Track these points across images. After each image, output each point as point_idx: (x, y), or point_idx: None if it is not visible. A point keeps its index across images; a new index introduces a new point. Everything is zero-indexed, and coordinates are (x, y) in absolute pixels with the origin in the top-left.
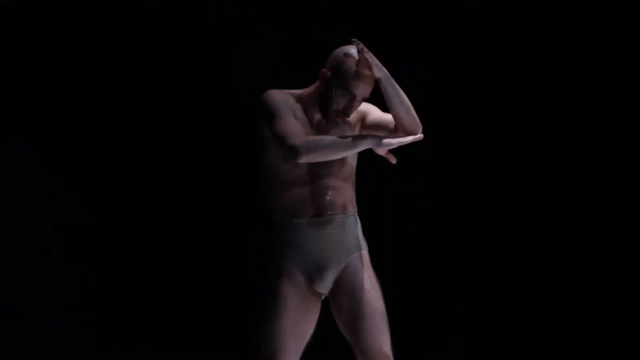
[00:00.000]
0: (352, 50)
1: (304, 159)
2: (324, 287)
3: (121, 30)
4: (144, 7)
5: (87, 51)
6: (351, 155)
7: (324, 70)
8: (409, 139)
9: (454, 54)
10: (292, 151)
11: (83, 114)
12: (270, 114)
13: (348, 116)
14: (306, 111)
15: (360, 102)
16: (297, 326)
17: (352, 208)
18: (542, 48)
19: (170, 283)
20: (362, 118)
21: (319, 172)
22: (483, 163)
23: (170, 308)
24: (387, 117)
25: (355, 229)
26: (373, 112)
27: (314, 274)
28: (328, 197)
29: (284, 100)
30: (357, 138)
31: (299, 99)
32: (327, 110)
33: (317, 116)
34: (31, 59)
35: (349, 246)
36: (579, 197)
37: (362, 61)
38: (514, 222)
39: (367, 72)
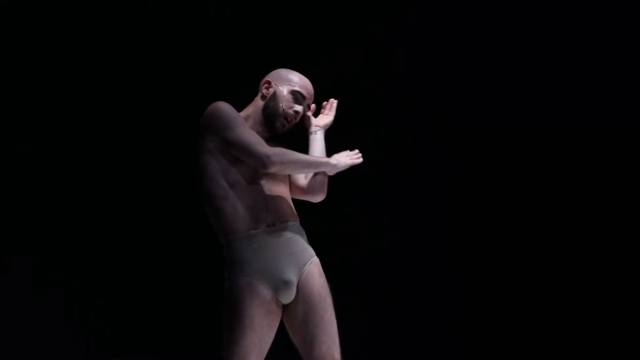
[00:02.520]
0: (295, 72)
1: (274, 168)
2: (289, 296)
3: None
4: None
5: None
6: (286, 181)
7: (267, 79)
8: (358, 160)
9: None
10: (263, 159)
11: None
12: (225, 123)
13: (297, 118)
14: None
15: (309, 108)
16: (262, 343)
17: (296, 216)
18: (541, 52)
19: (160, 286)
20: None
21: (262, 183)
22: (478, 163)
23: (162, 310)
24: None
25: (303, 235)
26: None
27: (279, 285)
28: (276, 206)
29: (236, 112)
30: (320, 159)
31: (244, 118)
32: (274, 116)
33: (262, 134)
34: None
35: (304, 252)
36: (573, 199)
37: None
38: (509, 222)
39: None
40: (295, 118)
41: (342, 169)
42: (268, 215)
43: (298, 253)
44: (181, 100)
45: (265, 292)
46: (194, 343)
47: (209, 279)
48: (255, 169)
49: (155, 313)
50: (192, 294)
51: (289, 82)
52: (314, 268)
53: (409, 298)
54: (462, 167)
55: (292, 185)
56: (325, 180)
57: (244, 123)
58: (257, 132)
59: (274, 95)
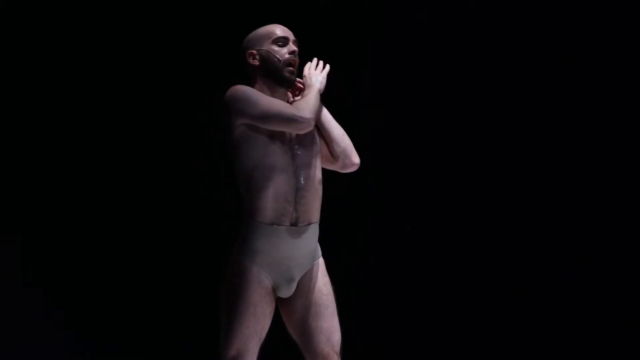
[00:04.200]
0: (260, 27)
1: (308, 123)
2: (287, 292)
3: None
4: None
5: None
6: (319, 166)
7: (247, 51)
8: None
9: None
10: (296, 119)
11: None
12: (250, 101)
13: (296, 56)
14: None
15: (296, 44)
16: (262, 332)
17: (319, 216)
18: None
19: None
20: None
21: (296, 180)
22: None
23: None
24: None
25: (317, 234)
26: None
27: (281, 282)
28: (305, 204)
29: (255, 89)
30: (313, 91)
31: None
32: (280, 72)
33: (282, 96)
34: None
35: (313, 253)
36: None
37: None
38: (509, 222)
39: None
40: (295, 58)
41: (324, 86)
42: (294, 212)
43: (308, 254)
44: (175, 99)
45: (267, 282)
46: (187, 343)
47: (201, 278)
48: (289, 150)
49: (151, 313)
50: (187, 294)
51: (264, 37)
52: (317, 267)
53: (404, 297)
54: (460, 167)
55: (324, 158)
56: (349, 144)
57: (265, 96)
58: (278, 97)
59: (263, 58)
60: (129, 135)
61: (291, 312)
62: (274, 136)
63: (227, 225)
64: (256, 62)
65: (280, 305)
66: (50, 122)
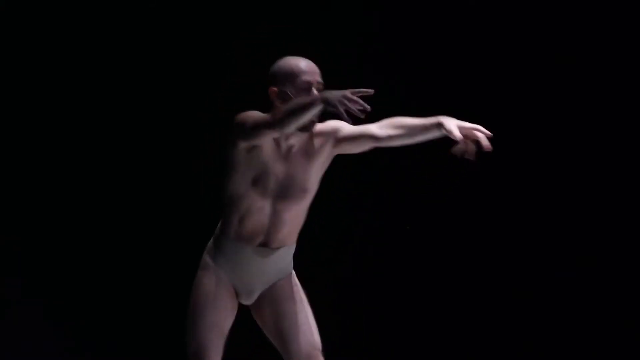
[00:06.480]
0: (285, 58)
1: (282, 129)
2: (247, 301)
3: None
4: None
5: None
6: (314, 188)
7: (270, 88)
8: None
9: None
10: (270, 127)
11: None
12: (242, 122)
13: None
14: (274, 141)
15: (321, 85)
16: (224, 324)
17: (295, 238)
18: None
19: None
20: (334, 134)
21: (282, 209)
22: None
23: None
24: (363, 127)
25: (289, 255)
26: (345, 127)
27: (241, 291)
28: (281, 232)
29: (256, 112)
30: (308, 99)
31: None
32: None
33: (284, 143)
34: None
35: (281, 271)
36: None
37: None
38: (508, 222)
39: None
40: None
41: (333, 104)
42: (265, 237)
43: (275, 272)
44: (175, 99)
45: (228, 282)
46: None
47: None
48: (275, 186)
49: (151, 313)
50: (186, 294)
51: (288, 77)
52: (284, 280)
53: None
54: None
55: (377, 141)
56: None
57: (254, 112)
58: (296, 139)
59: (284, 100)
60: (128, 135)
61: (263, 321)
62: (266, 168)
63: None
64: (277, 102)
65: (252, 311)
66: (50, 122)
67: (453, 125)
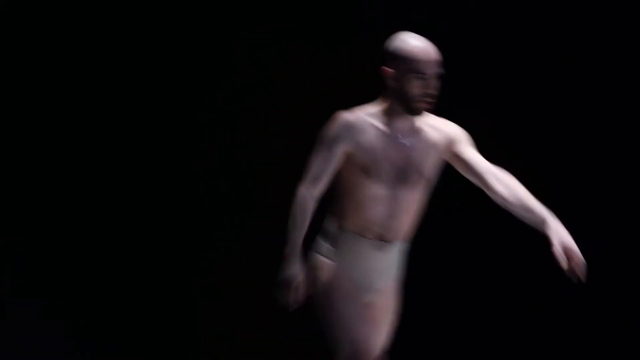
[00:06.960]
0: (404, 36)
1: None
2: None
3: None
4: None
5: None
6: (430, 179)
7: (383, 68)
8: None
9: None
10: (296, 194)
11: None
12: (318, 142)
13: (432, 101)
14: (382, 125)
15: (439, 80)
16: (369, 317)
17: (410, 234)
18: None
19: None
20: (451, 141)
21: (400, 196)
22: None
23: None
24: (478, 159)
25: (402, 254)
26: (466, 145)
27: (365, 287)
28: (400, 225)
29: (340, 130)
30: (294, 240)
31: (370, 115)
32: (410, 105)
33: (394, 127)
34: None
35: (395, 270)
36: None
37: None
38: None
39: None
40: (434, 95)
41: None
42: (385, 229)
43: (391, 269)
44: (175, 98)
45: (352, 279)
46: (188, 343)
47: (202, 278)
48: (390, 165)
49: (151, 313)
50: (187, 294)
51: (404, 60)
52: (392, 285)
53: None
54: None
55: (476, 178)
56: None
57: (324, 147)
58: (385, 131)
59: (397, 83)
60: (128, 135)
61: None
62: (375, 154)
63: (227, 225)
64: (390, 82)
65: None
66: (50, 122)
67: (556, 237)
